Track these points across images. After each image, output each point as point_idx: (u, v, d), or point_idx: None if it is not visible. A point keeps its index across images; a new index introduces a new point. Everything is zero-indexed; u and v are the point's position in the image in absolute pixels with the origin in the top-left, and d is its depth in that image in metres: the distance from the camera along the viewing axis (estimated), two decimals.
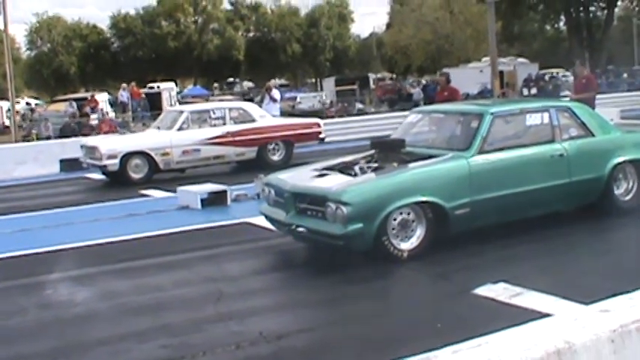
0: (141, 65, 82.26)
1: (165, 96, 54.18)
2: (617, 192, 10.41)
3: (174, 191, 14.60)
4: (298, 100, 53.53)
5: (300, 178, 9.65)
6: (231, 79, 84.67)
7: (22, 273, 9.59)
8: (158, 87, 58.00)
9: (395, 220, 8.63)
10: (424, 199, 8.73)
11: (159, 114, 47.61)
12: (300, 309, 7.56)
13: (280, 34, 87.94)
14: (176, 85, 68.90)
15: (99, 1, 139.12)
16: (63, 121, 39.72)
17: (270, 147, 19.62)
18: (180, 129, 18.65)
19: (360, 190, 8.65)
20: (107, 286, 8.72)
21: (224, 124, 19.11)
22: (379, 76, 77.09)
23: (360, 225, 8.34)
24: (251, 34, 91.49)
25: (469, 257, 8.82)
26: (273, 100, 23.34)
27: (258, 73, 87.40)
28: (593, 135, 10.30)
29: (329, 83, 67.87)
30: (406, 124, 11.04)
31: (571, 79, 48.10)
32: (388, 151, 9.88)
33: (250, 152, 19.31)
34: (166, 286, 8.50)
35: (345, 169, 9.67)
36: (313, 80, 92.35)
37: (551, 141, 9.92)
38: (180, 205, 13.72)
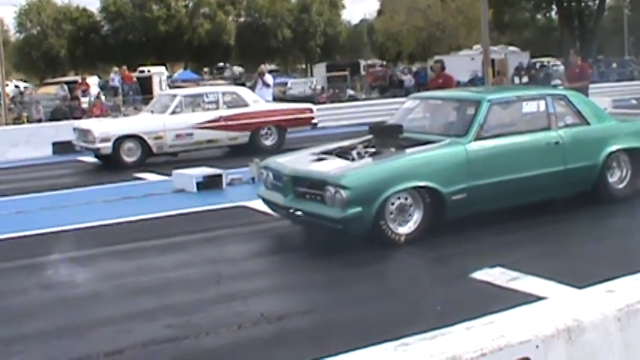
0: (131, 49, 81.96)
1: (155, 80, 54.12)
2: (611, 180, 10.50)
3: (169, 175, 14.66)
4: (289, 85, 53.48)
5: (298, 162, 9.73)
6: (221, 64, 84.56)
7: (22, 254, 9.64)
8: (149, 71, 57.92)
9: (393, 204, 8.71)
10: (422, 183, 8.83)
11: (150, 98, 47.93)
12: (300, 291, 7.66)
13: (271, 20, 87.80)
14: (166, 69, 68.86)
15: None
16: (54, 104, 39.67)
17: (263, 132, 19.67)
18: (173, 113, 18.67)
19: (358, 174, 8.74)
20: (107, 268, 8.79)
21: (217, 108, 19.14)
22: (370, 62, 77.06)
23: (358, 209, 8.44)
24: (242, 19, 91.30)
25: (466, 242, 8.91)
26: (266, 85, 23.31)
27: (248, 59, 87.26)
28: (588, 123, 10.37)
29: (320, 69, 67.86)
30: (403, 109, 11.12)
31: (561, 68, 48.28)
32: (386, 137, 9.94)
33: (243, 137, 19.34)
34: (167, 268, 8.58)
35: (342, 153, 9.74)
36: (304, 66, 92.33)
37: (547, 128, 9.99)
38: (175, 189, 13.79)
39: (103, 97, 43.97)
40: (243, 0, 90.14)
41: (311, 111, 20.91)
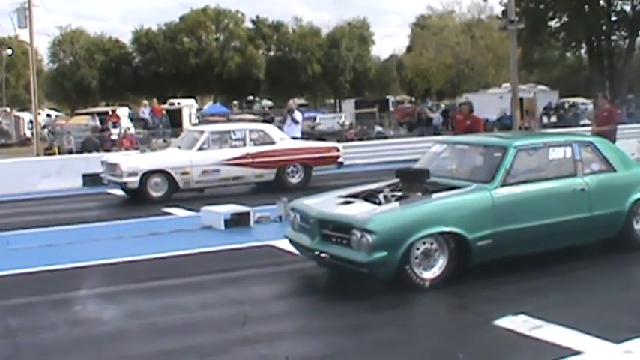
0: (161, 81, 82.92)
1: (185, 113, 54.61)
2: (636, 227, 10.51)
3: (197, 210, 14.80)
4: (318, 121, 53.67)
5: (325, 204, 9.85)
6: (250, 98, 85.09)
7: (51, 288, 9.77)
8: (179, 103, 58.40)
9: (418, 249, 8.80)
10: (447, 229, 8.89)
11: (179, 131, 48.25)
12: (324, 334, 7.70)
13: (301, 54, 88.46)
14: (196, 101, 69.33)
15: (121, 16, 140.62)
16: (85, 135, 40.04)
17: (289, 170, 19.89)
18: (200, 149, 18.95)
19: (385, 218, 8.83)
20: (134, 305, 8.90)
21: (244, 145, 19.38)
22: (398, 98, 77.32)
23: (384, 253, 8.53)
24: (272, 53, 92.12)
25: (490, 288, 8.93)
26: (295, 121, 23.41)
27: (277, 92, 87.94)
28: (614, 170, 10.46)
29: (349, 105, 68.07)
30: (430, 154, 11.22)
31: (590, 107, 48.19)
32: (412, 181, 10.02)
33: (269, 174, 19.54)
34: (192, 307, 8.67)
35: (369, 197, 9.85)
36: (332, 101, 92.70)
37: (573, 175, 10.07)
38: (203, 225, 13.91)
39: (133, 129, 44.46)
40: (273, 34, 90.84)
41: (337, 150, 21.00)
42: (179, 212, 16.47)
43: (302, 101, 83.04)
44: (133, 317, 8.40)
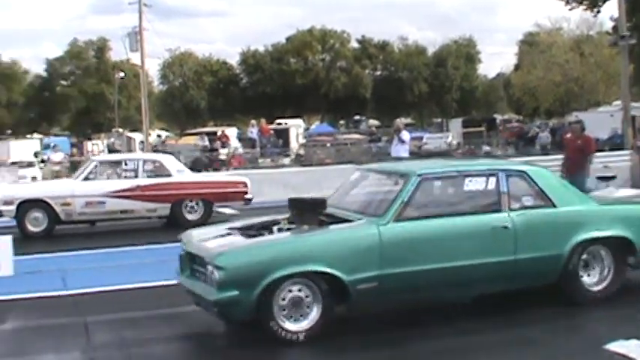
0: (269, 101, 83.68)
1: (293, 133, 55.18)
2: (587, 278, 8.82)
3: None
4: (425, 140, 53.53)
5: (201, 236, 8.84)
6: (357, 117, 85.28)
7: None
8: (286, 123, 59.02)
9: (284, 299, 7.64)
10: (317, 268, 7.65)
11: (287, 150, 48.75)
12: None
13: (407, 73, 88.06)
14: (303, 121, 69.92)
15: (229, 38, 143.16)
16: (194, 154, 40.85)
17: (187, 205, 17.91)
18: (86, 178, 17.53)
19: (237, 253, 7.80)
20: None
21: (135, 176, 17.66)
22: (506, 117, 76.39)
23: (235, 292, 7.44)
24: (378, 73, 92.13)
25: (600, 310, 8.59)
26: (402, 141, 23.07)
27: (384, 112, 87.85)
28: (553, 205, 8.76)
29: (456, 124, 67.56)
30: (348, 182, 9.84)
31: None
32: (305, 211, 8.69)
33: (163, 208, 17.72)
34: None
35: (263, 228, 8.72)
36: (439, 120, 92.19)
37: (497, 210, 8.52)
38: None
39: (240, 149, 45.16)
40: (379, 54, 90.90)
41: (244, 185, 18.77)
42: None
43: (408, 120, 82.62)
44: None
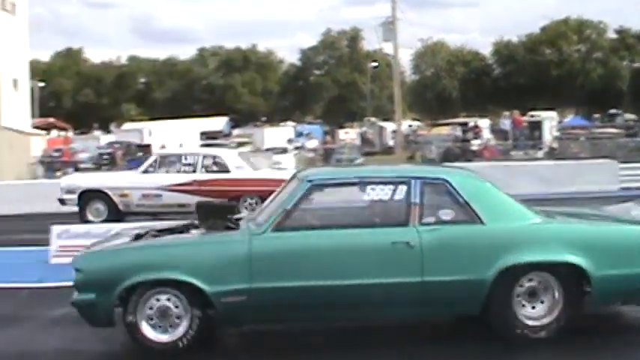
0: (521, 92, 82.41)
1: (546, 125, 54.00)
2: (530, 311, 7.47)
3: None
4: None
5: (120, 235, 8.72)
6: (613, 110, 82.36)
7: None
8: (539, 116, 57.91)
9: (151, 308, 7.34)
10: (175, 277, 7.25)
11: (539, 143, 47.88)
12: None
13: None
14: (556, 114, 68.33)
15: (482, 28, 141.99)
16: (445, 145, 41.04)
17: (245, 201, 17.40)
18: (145, 171, 18.06)
19: (95, 256, 7.74)
20: None
21: (194, 171, 17.83)
22: None
23: (91, 296, 7.29)
24: (637, 64, 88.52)
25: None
26: None
27: None
28: (481, 221, 7.44)
29: None
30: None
31: None
32: (211, 216, 8.04)
33: None
34: None
35: (182, 231, 8.33)
36: None
37: (402, 224, 7.44)
38: None
39: (493, 141, 44.87)
40: (638, 45, 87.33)
41: None
42: None
43: None
44: None
